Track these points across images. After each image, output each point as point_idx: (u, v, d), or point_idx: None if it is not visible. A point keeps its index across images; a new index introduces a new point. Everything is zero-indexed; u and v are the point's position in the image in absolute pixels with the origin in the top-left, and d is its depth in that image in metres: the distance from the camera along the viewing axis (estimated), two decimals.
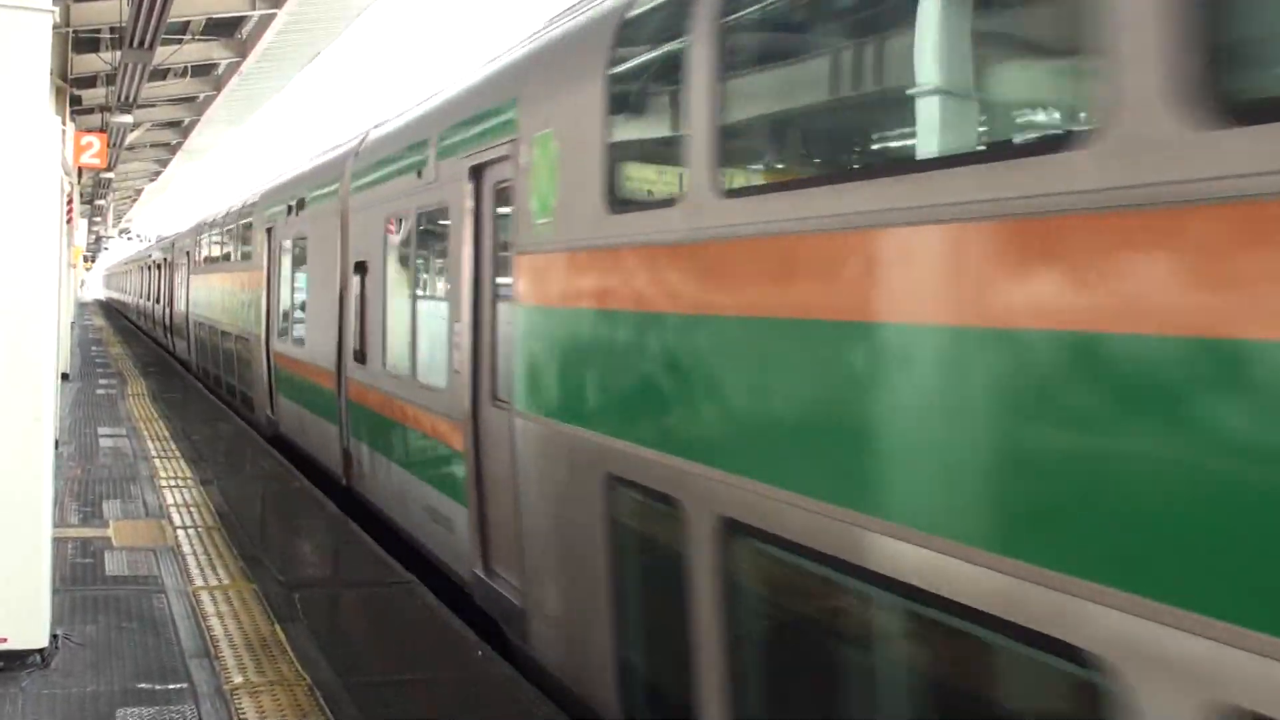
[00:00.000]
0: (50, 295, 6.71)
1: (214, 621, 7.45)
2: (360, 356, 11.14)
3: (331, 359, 12.27)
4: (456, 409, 8.05)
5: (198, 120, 31.43)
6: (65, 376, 17.91)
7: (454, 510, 8.30)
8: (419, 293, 9.63)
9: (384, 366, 10.36)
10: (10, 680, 6.33)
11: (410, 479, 9.58)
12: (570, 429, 6.12)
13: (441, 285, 8.85)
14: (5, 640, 6.51)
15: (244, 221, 18.91)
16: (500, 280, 7.47)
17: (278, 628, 7.35)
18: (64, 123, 19.31)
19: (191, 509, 11.05)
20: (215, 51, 24.29)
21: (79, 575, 8.54)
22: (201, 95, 28.88)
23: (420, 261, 9.65)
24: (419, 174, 9.29)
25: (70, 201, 21.88)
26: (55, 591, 7.04)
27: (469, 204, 7.95)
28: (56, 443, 9.27)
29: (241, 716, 5.92)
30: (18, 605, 6.54)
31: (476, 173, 7.88)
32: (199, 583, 8.40)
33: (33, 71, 6.56)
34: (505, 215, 7.33)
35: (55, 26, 6.72)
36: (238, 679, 6.43)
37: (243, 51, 23.76)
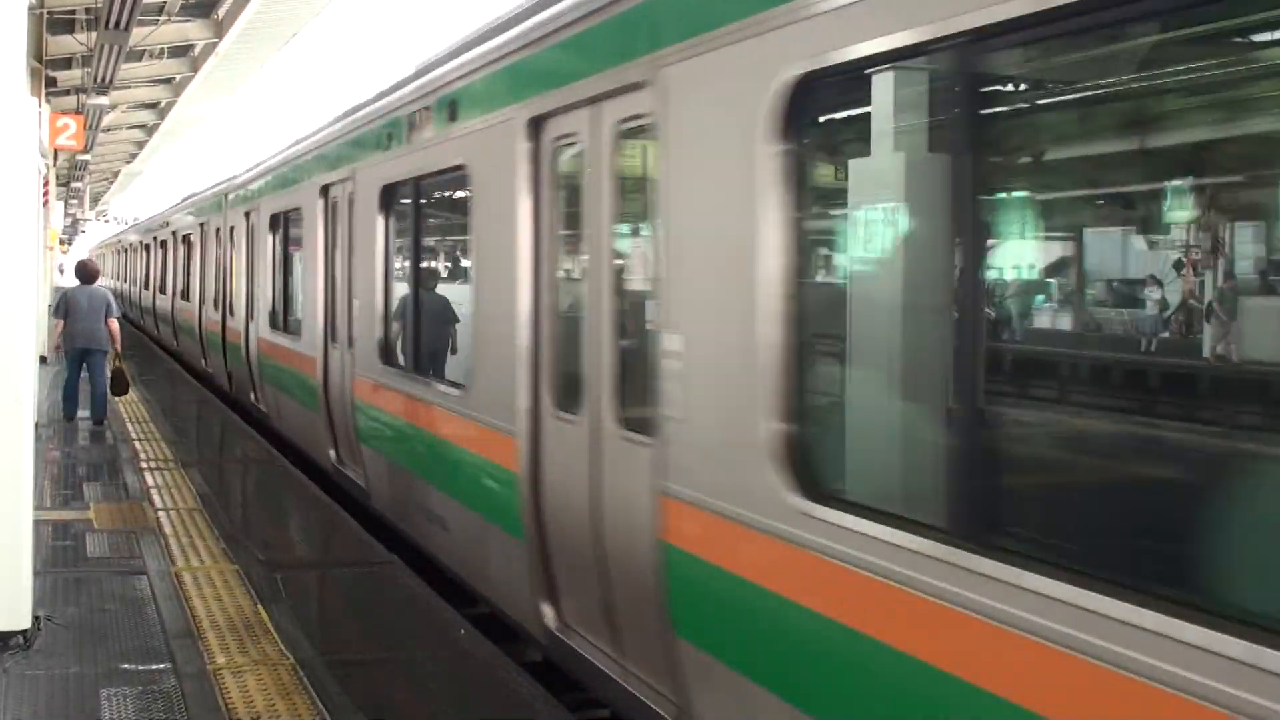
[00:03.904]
0: (29, 278, 6.70)
1: (196, 602, 7.47)
2: None
3: None
4: None
5: (175, 101, 31.26)
6: (44, 360, 17.81)
7: None
8: None
9: None
10: None
11: None
12: None
13: None
14: None
15: None
16: None
17: (260, 608, 7.37)
18: (39, 105, 19.19)
19: (173, 490, 11.05)
20: (192, 32, 24.14)
21: (60, 557, 8.54)
22: (179, 76, 28.71)
23: None
24: None
25: (46, 184, 21.77)
26: (36, 574, 7.05)
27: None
28: (36, 425, 9.26)
29: (225, 696, 5.94)
30: None
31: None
32: (181, 564, 8.41)
33: (8, 53, 6.53)
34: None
35: (30, 8, 6.69)
36: (221, 659, 6.45)
37: (220, 31, 23.62)
